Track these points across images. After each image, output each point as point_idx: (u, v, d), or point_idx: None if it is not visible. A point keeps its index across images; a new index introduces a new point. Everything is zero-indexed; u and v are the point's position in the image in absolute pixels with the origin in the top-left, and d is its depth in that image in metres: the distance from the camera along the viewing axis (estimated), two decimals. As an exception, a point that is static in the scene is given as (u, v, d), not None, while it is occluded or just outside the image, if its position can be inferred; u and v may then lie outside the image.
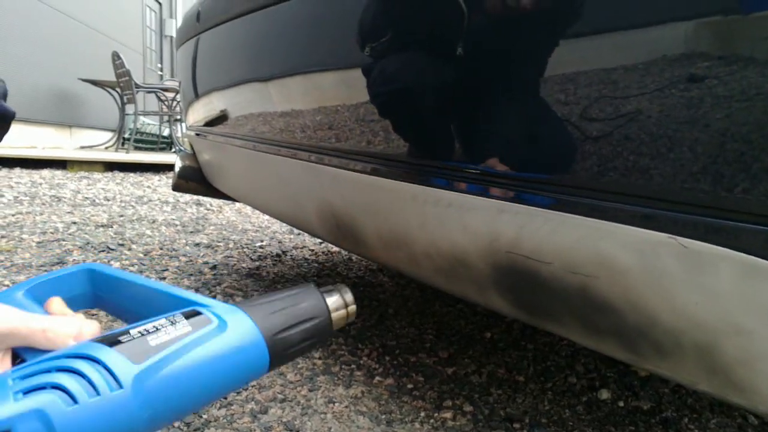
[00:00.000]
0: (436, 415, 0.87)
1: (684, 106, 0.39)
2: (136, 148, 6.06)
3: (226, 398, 0.88)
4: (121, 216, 2.48)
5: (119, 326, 0.39)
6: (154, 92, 6.07)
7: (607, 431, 0.86)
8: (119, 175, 4.30)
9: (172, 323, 0.38)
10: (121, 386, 0.33)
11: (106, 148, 6.07)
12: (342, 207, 0.81)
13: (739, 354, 0.39)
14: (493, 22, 0.52)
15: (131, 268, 1.61)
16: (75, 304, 0.47)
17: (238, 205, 3.05)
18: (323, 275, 1.69)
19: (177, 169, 1.55)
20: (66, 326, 0.40)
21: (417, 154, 0.62)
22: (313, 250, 2.05)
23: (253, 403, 0.87)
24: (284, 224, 2.47)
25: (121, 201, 2.96)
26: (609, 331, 0.48)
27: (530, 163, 0.50)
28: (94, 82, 5.90)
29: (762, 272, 0.36)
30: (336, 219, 0.83)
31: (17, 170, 3.98)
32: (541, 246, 0.49)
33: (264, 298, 0.44)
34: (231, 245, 2.03)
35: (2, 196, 2.78)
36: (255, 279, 1.58)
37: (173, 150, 6.21)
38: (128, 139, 5.86)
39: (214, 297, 1.39)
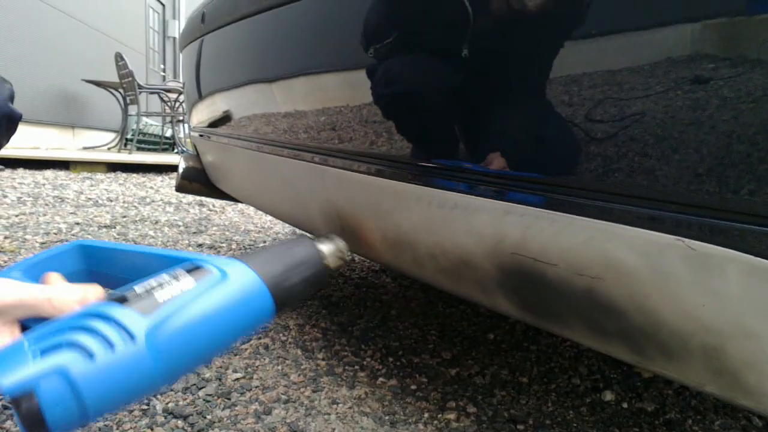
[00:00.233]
0: (439, 416, 0.87)
1: (689, 108, 0.39)
2: (139, 149, 6.07)
3: (229, 399, 0.88)
4: (124, 217, 2.48)
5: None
6: (156, 93, 6.08)
7: (611, 433, 0.86)
8: (122, 176, 4.31)
9: (176, 278, 0.39)
10: (134, 339, 0.34)
11: (109, 148, 6.08)
12: (346, 208, 0.81)
13: (747, 356, 0.39)
14: (499, 24, 0.52)
15: (134, 269, 1.61)
16: (70, 280, 0.47)
17: (240, 205, 3.05)
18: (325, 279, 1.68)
19: (180, 170, 1.55)
20: (70, 293, 0.40)
21: (422, 156, 0.62)
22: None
23: (257, 404, 0.87)
24: (287, 225, 2.48)
25: (123, 202, 2.96)
26: (615, 333, 0.48)
27: (536, 164, 0.50)
28: (97, 83, 5.91)
29: (769, 274, 0.36)
30: (340, 220, 0.83)
31: (20, 171, 3.99)
32: (547, 247, 0.49)
33: (261, 250, 0.46)
34: (234, 246, 2.03)
35: (6, 196, 2.79)
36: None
37: (176, 151, 6.22)
38: (131, 140, 5.87)
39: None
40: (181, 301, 0.37)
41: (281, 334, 1.17)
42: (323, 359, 1.05)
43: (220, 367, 0.99)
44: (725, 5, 0.38)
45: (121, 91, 5.81)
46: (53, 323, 0.35)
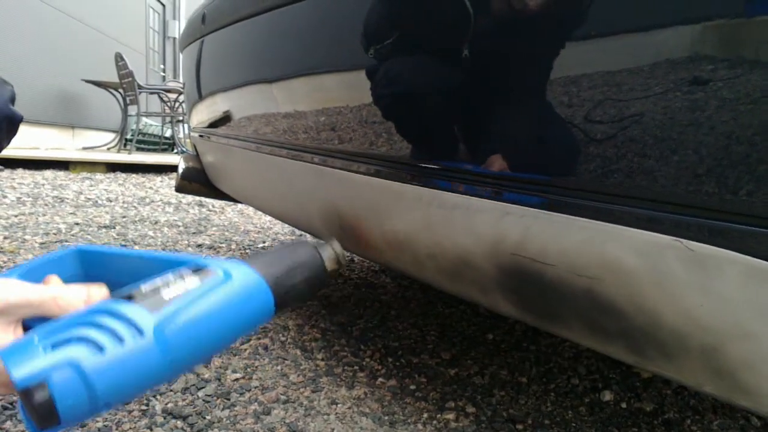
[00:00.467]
0: (438, 416, 0.87)
1: (688, 109, 0.39)
2: (139, 149, 6.07)
3: (229, 399, 0.88)
4: (124, 217, 2.48)
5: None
6: (156, 93, 6.08)
7: (610, 433, 0.86)
8: (121, 176, 4.31)
9: (181, 277, 0.40)
10: (142, 334, 0.35)
11: (109, 149, 6.07)
12: (346, 208, 0.81)
13: (745, 357, 0.39)
14: (499, 25, 0.52)
15: (134, 269, 1.61)
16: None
17: (240, 206, 3.05)
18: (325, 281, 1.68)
19: (180, 170, 1.55)
20: (75, 292, 0.41)
21: (422, 156, 0.63)
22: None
23: (256, 404, 0.87)
24: (286, 225, 2.48)
25: (123, 202, 2.96)
26: (614, 334, 0.49)
27: (535, 165, 0.50)
28: (97, 83, 5.91)
29: (767, 275, 0.36)
30: (340, 220, 0.83)
31: (20, 171, 3.99)
32: (547, 248, 0.49)
33: (263, 252, 0.48)
34: (233, 246, 2.03)
35: (5, 197, 2.78)
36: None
37: (175, 151, 6.22)
38: (131, 140, 5.87)
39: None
40: (187, 298, 0.38)
41: (281, 335, 1.17)
42: (322, 359, 1.05)
43: (220, 367, 1.00)
44: (724, 7, 0.38)
45: (121, 91, 5.81)
46: (62, 320, 0.36)
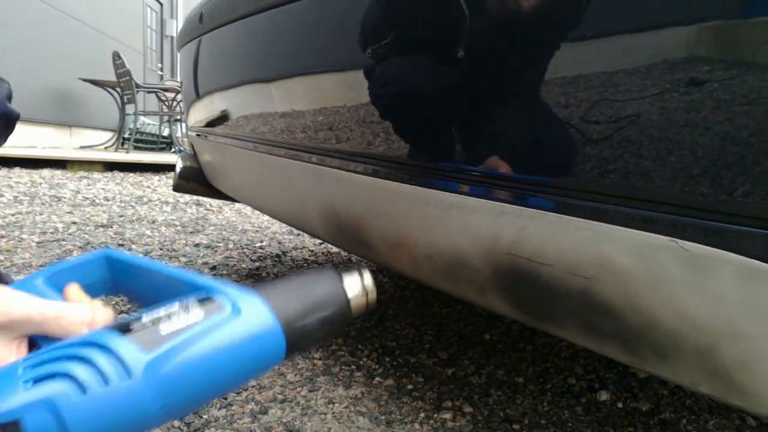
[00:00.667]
0: (435, 415, 0.87)
1: (685, 110, 0.39)
2: (136, 148, 6.06)
3: (226, 398, 0.88)
4: (121, 216, 2.48)
5: (137, 311, 0.39)
6: (154, 92, 6.07)
7: (607, 433, 0.86)
8: (119, 175, 4.30)
9: (185, 310, 0.37)
10: (131, 375, 0.33)
11: (106, 148, 6.06)
12: (344, 208, 0.81)
13: (739, 357, 0.40)
14: (496, 25, 0.52)
15: (131, 268, 1.61)
16: (94, 290, 0.47)
17: (237, 205, 3.05)
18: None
19: (178, 169, 1.55)
20: (79, 313, 0.40)
21: (418, 156, 0.63)
22: (312, 251, 2.05)
23: (253, 403, 0.87)
24: (284, 225, 2.47)
25: (120, 201, 2.96)
26: (610, 334, 0.49)
27: (531, 165, 0.50)
28: (95, 82, 5.90)
29: (762, 275, 0.36)
30: (337, 220, 0.83)
31: (17, 170, 3.98)
32: (543, 248, 0.49)
33: (281, 282, 0.42)
34: (231, 246, 2.03)
35: (2, 195, 2.78)
36: (255, 279, 1.58)
37: (173, 150, 6.21)
38: (128, 139, 5.86)
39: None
40: (186, 336, 0.35)
41: (278, 334, 1.17)
42: (320, 359, 1.06)
43: (217, 366, 0.99)
44: (720, 8, 0.38)
45: (119, 90, 5.80)
46: (53, 348, 0.34)
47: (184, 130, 5.98)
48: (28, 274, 0.46)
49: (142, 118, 6.20)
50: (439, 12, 0.57)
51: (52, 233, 2.00)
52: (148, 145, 6.38)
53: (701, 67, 0.38)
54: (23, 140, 5.32)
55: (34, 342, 0.39)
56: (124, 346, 0.33)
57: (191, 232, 2.23)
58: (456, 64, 0.55)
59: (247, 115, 1.04)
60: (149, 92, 6.16)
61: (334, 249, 2.10)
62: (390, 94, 0.65)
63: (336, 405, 0.88)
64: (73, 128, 6.43)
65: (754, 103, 0.36)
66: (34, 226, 2.09)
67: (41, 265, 1.55)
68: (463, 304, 1.45)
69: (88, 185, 3.52)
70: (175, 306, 0.37)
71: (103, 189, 3.39)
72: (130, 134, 5.92)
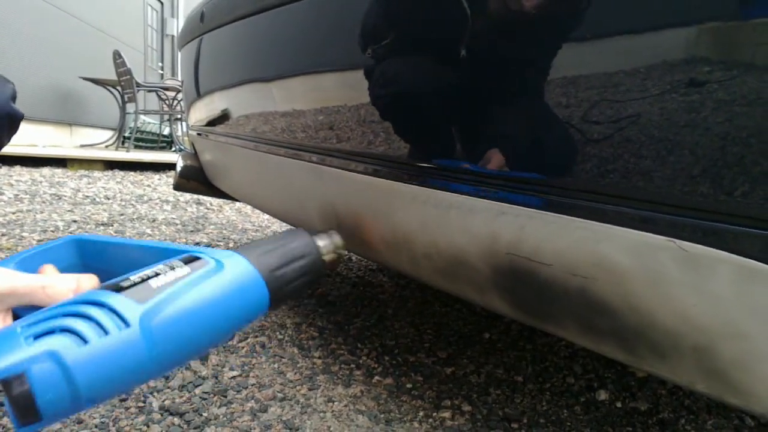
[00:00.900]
0: (434, 414, 0.87)
1: (684, 110, 0.39)
2: (137, 147, 6.06)
3: (225, 396, 0.88)
4: (122, 215, 2.48)
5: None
6: (154, 91, 6.07)
7: (605, 432, 0.86)
8: (119, 174, 4.30)
9: (171, 268, 0.39)
10: (128, 325, 0.34)
11: (107, 146, 6.06)
12: (344, 207, 0.81)
13: (736, 356, 0.40)
14: (496, 26, 0.52)
15: (131, 267, 1.61)
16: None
17: (238, 204, 3.05)
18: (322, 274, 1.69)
19: (178, 168, 1.55)
20: (64, 281, 0.40)
21: (418, 156, 0.63)
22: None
23: (252, 401, 0.87)
24: (285, 224, 2.48)
25: (121, 200, 2.96)
26: (607, 333, 0.49)
27: (531, 165, 0.50)
28: (95, 81, 5.90)
29: (760, 275, 0.37)
30: (337, 219, 0.83)
31: (17, 168, 3.98)
32: (541, 248, 0.50)
33: (257, 242, 0.46)
34: (231, 245, 2.03)
35: (2, 194, 2.78)
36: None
37: (173, 149, 6.21)
38: (128, 138, 5.86)
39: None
40: (176, 288, 0.37)
41: (278, 333, 1.17)
42: (319, 357, 1.06)
43: (217, 365, 1.00)
44: (720, 10, 0.38)
45: (119, 88, 5.80)
46: (47, 310, 0.34)
47: (184, 129, 5.98)
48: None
49: (142, 117, 6.20)
50: (439, 12, 0.57)
51: (52, 231, 2.00)
52: (149, 144, 6.38)
53: (701, 68, 0.38)
54: (24, 138, 5.32)
55: (18, 316, 0.39)
56: (118, 300, 0.35)
57: (191, 231, 2.24)
58: (456, 64, 0.55)
59: (248, 115, 1.04)
60: (150, 91, 6.16)
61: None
62: (390, 94, 0.65)
63: (335, 403, 0.88)
64: (74, 127, 6.43)
65: (754, 104, 0.36)
66: (34, 225, 2.09)
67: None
68: (462, 303, 1.45)
69: (89, 184, 3.52)
70: (161, 266, 0.39)
71: (103, 187, 3.39)
72: (130, 133, 5.92)
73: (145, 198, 3.10)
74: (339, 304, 1.39)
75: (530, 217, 0.49)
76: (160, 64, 10.26)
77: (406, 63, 0.63)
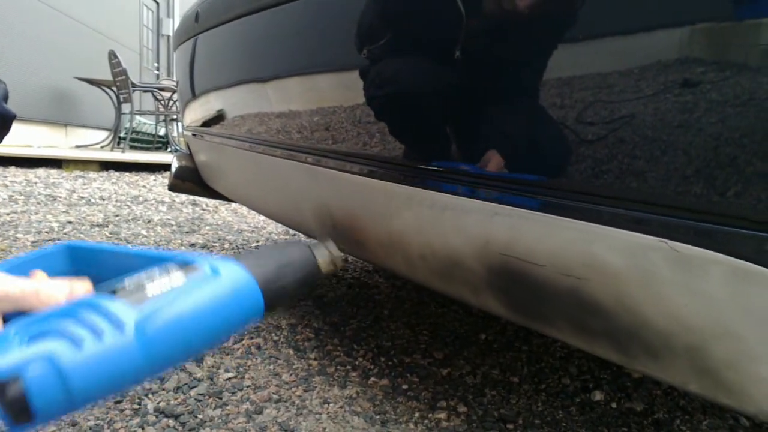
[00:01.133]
0: (430, 415, 0.87)
1: (677, 111, 0.39)
2: (132, 148, 6.05)
3: (221, 398, 0.88)
4: (117, 216, 2.47)
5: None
6: (150, 91, 6.06)
7: (600, 432, 0.87)
8: (115, 175, 4.29)
9: (167, 273, 0.39)
10: (123, 330, 0.34)
11: (102, 147, 6.04)
12: (338, 208, 0.81)
13: (728, 356, 0.40)
14: (490, 26, 0.52)
15: (127, 268, 1.60)
16: None
17: (233, 205, 3.05)
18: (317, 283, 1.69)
19: (173, 169, 1.55)
20: (57, 286, 0.40)
21: (413, 157, 0.63)
22: (308, 251, 2.05)
23: (248, 403, 0.87)
24: (280, 225, 2.47)
25: (116, 200, 2.95)
26: (600, 333, 0.49)
27: (524, 166, 0.50)
28: (90, 81, 5.88)
29: (751, 276, 0.37)
30: (333, 220, 0.83)
31: (12, 169, 3.97)
32: (534, 248, 0.50)
33: (255, 251, 0.46)
34: (227, 246, 2.03)
35: (-3, 194, 2.77)
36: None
37: (169, 150, 6.20)
38: (124, 139, 5.84)
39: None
40: (171, 294, 0.37)
41: (273, 334, 1.17)
42: (315, 359, 1.06)
43: (212, 366, 1.00)
44: (714, 10, 0.38)
45: (115, 89, 5.78)
46: (41, 313, 0.35)
47: (180, 130, 5.97)
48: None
49: (138, 118, 6.18)
50: (434, 13, 0.57)
51: (47, 232, 1.99)
52: (144, 145, 6.36)
53: (694, 69, 0.39)
54: (19, 139, 5.30)
55: (9, 321, 0.39)
56: (113, 304, 0.35)
57: (187, 232, 2.23)
58: (451, 65, 0.55)
59: (243, 115, 1.04)
60: (145, 91, 6.15)
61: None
62: (385, 94, 0.65)
63: (331, 405, 0.88)
64: (69, 127, 6.41)
65: (747, 105, 0.36)
66: (29, 226, 2.08)
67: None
68: (459, 304, 1.45)
69: (84, 184, 3.51)
70: (156, 271, 0.39)
71: (98, 188, 3.38)
72: (126, 133, 5.90)
73: (141, 199, 3.09)
74: (335, 306, 1.39)
75: (524, 218, 0.50)
76: (155, 64, 10.24)
77: (402, 64, 0.63)
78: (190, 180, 1.53)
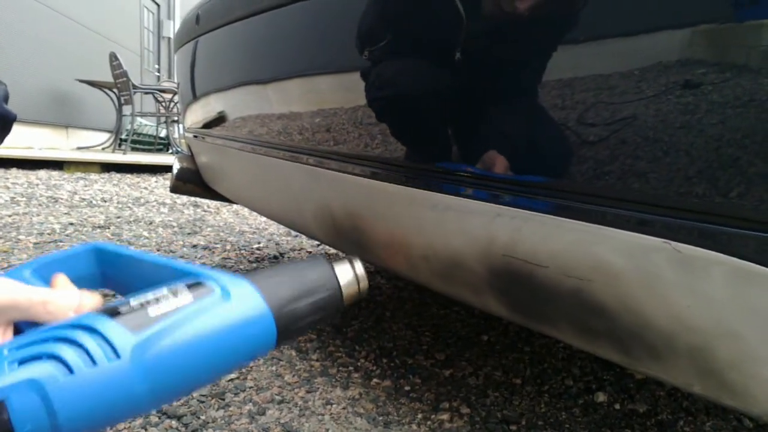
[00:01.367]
0: (433, 416, 0.87)
1: (679, 112, 0.39)
2: (133, 149, 6.05)
3: (223, 399, 0.88)
4: (118, 217, 2.47)
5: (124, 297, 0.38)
6: (151, 93, 6.06)
7: (603, 433, 0.87)
8: (116, 176, 4.29)
9: (174, 294, 0.36)
10: (118, 356, 0.32)
11: (103, 149, 6.05)
12: (340, 210, 0.81)
13: (731, 357, 0.40)
14: (491, 28, 0.52)
15: (128, 270, 1.61)
16: (83, 283, 0.45)
17: (235, 206, 3.05)
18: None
19: (175, 170, 1.55)
20: (66, 299, 0.39)
21: (414, 158, 0.63)
22: (310, 252, 2.05)
23: (250, 404, 0.87)
24: (281, 226, 2.47)
25: (118, 202, 2.95)
26: (603, 334, 0.49)
27: (527, 167, 0.50)
28: (92, 83, 5.89)
29: (754, 276, 0.37)
30: (334, 221, 0.83)
31: (14, 171, 3.97)
32: (537, 249, 0.50)
33: (271, 269, 0.42)
34: (228, 247, 2.03)
35: (-1, 196, 2.77)
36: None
37: (170, 151, 6.20)
38: (125, 140, 5.85)
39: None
40: (175, 318, 0.34)
41: (275, 335, 1.17)
42: (317, 360, 1.06)
43: (214, 368, 0.99)
44: (715, 12, 0.38)
45: (116, 91, 5.79)
46: (38, 331, 0.33)
47: (181, 132, 5.98)
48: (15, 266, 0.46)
49: (139, 119, 6.19)
50: (435, 15, 0.57)
51: (49, 234, 1.99)
52: (145, 147, 6.37)
53: (696, 70, 0.39)
54: (20, 141, 5.31)
55: (20, 329, 0.38)
56: (111, 327, 0.33)
57: (189, 234, 2.23)
58: (452, 67, 0.55)
59: (244, 117, 1.04)
60: (146, 93, 6.15)
61: (332, 250, 2.10)
62: (387, 96, 0.65)
63: (333, 406, 0.88)
64: (70, 129, 6.42)
65: (748, 106, 0.36)
66: (31, 227, 2.09)
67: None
68: (461, 305, 1.45)
69: (85, 186, 3.51)
70: (164, 290, 0.36)
71: (100, 190, 3.39)
72: (127, 135, 5.90)
73: (142, 200, 3.09)
74: (336, 307, 1.39)
75: (526, 219, 0.50)
76: (156, 66, 10.25)
77: (403, 65, 0.63)
78: (192, 181, 1.53)
